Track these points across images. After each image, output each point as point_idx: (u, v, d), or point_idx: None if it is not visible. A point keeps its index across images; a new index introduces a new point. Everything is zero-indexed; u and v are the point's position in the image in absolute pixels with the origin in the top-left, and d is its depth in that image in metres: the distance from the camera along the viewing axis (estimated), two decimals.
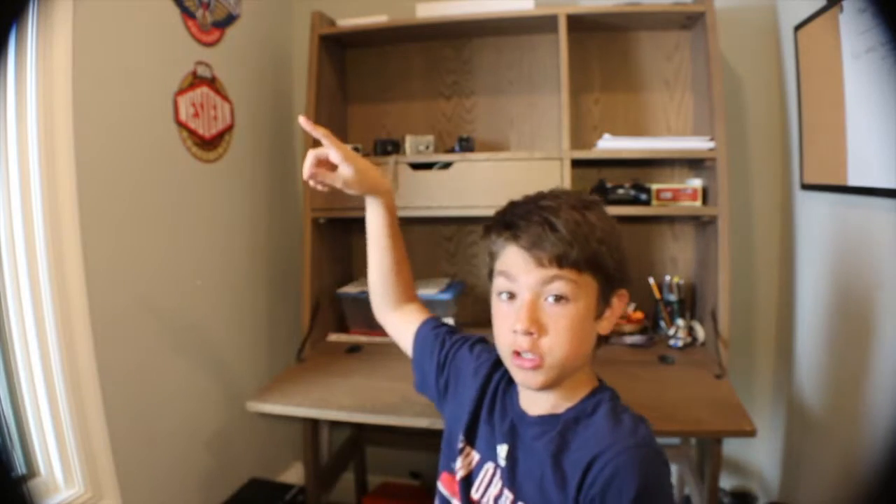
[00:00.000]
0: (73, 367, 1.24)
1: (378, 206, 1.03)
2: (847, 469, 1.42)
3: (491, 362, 0.95)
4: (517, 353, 0.79)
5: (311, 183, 0.98)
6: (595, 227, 0.79)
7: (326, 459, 1.97)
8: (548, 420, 0.84)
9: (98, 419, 1.30)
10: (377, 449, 2.23)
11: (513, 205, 0.85)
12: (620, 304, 0.85)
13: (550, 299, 0.77)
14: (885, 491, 0.84)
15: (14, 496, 0.97)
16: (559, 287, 0.77)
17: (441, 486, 0.93)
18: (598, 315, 0.82)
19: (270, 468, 2.04)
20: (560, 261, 0.76)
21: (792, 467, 1.80)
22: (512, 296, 0.80)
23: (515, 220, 0.80)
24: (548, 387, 0.80)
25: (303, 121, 0.95)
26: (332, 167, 0.99)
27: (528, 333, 0.77)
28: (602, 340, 0.87)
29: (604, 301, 0.82)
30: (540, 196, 0.85)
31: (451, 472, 0.92)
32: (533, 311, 0.77)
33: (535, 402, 0.86)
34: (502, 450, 0.86)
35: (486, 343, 0.99)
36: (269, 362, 2.03)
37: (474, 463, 0.90)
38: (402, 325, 1.07)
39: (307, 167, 0.96)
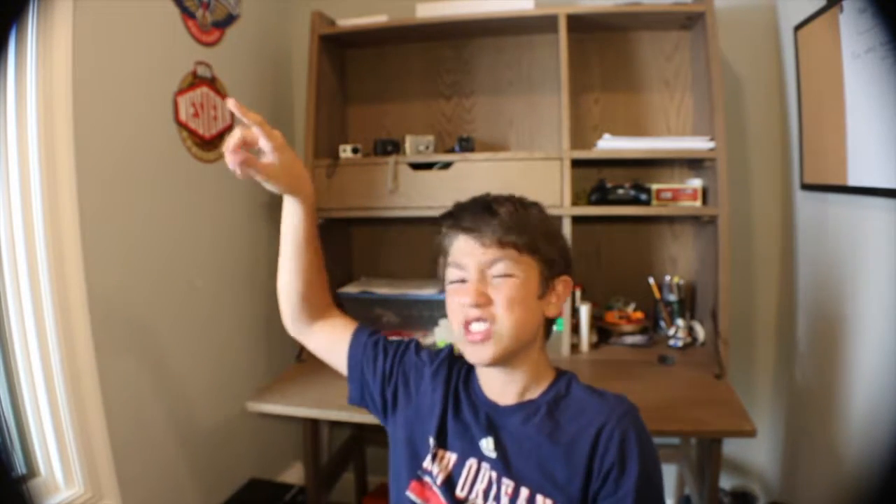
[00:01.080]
0: (73, 367, 1.24)
1: (298, 208, 0.96)
2: (846, 469, 1.42)
3: (447, 361, 0.98)
4: (467, 329, 0.84)
5: (231, 166, 0.84)
6: (532, 217, 0.90)
7: (326, 459, 1.97)
8: (526, 405, 0.89)
9: (98, 419, 1.30)
10: (377, 449, 2.23)
11: (458, 203, 0.93)
12: (566, 290, 0.93)
13: (496, 279, 0.85)
14: (884, 491, 0.84)
15: (14, 496, 0.97)
16: (502, 267, 0.85)
17: (411, 495, 0.91)
18: (542, 295, 0.89)
19: (270, 468, 2.04)
20: (500, 242, 0.85)
21: (792, 467, 1.80)
22: (462, 281, 0.87)
23: (460, 212, 0.90)
24: (498, 361, 0.85)
25: (231, 103, 0.84)
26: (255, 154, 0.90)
27: (476, 305, 0.83)
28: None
29: (546, 283, 0.89)
30: (485, 195, 0.94)
31: (420, 479, 0.91)
32: (479, 285, 0.84)
33: (504, 390, 0.90)
34: (488, 442, 0.88)
35: (424, 345, 1.04)
36: (269, 362, 2.03)
37: (452, 463, 0.90)
38: (329, 337, 1.04)
39: (231, 145, 0.83)
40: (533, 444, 0.85)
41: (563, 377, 0.93)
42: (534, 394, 0.90)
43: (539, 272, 0.88)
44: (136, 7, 1.45)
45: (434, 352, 1.01)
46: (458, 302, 0.86)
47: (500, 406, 0.90)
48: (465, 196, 1.85)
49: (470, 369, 0.96)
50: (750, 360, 1.99)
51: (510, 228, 0.86)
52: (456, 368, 0.97)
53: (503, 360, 0.86)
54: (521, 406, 0.89)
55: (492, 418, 0.89)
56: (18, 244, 1.18)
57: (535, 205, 0.95)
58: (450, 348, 1.01)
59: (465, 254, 0.87)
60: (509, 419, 0.88)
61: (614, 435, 0.81)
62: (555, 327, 1.94)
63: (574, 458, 0.82)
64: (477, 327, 0.84)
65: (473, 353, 0.86)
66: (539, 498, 0.83)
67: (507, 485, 0.85)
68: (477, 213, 0.88)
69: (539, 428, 0.86)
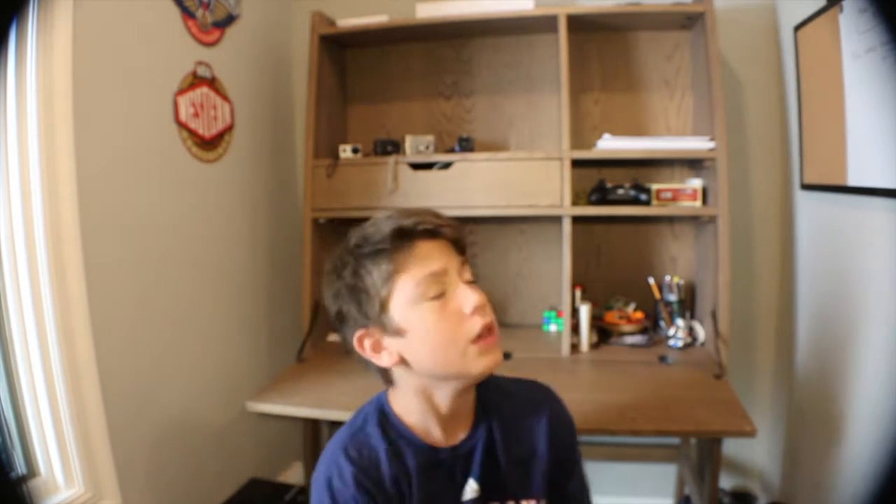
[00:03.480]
0: (73, 367, 1.24)
1: None
2: (847, 469, 1.42)
3: (366, 480, 0.79)
4: (480, 337, 0.76)
5: None
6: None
7: None
8: (477, 425, 0.86)
9: (98, 419, 1.30)
10: None
11: (384, 217, 0.79)
12: None
13: (468, 282, 0.79)
14: (885, 491, 0.84)
15: (14, 496, 0.97)
16: (468, 272, 0.80)
17: None
18: None
19: (270, 468, 2.04)
20: (457, 242, 0.81)
21: (792, 467, 1.80)
22: (440, 295, 0.76)
23: (411, 221, 0.77)
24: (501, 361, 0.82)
25: None
26: None
27: (484, 306, 0.77)
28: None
29: None
30: (386, 215, 0.80)
31: None
32: (476, 293, 0.78)
33: (456, 423, 0.84)
34: (471, 488, 0.84)
35: (337, 480, 0.80)
36: (269, 362, 2.03)
37: None
38: None
39: None
40: (505, 462, 0.86)
41: None
42: (473, 408, 0.86)
43: None
44: (136, 7, 1.45)
45: (343, 484, 0.79)
46: (455, 315, 0.76)
47: (458, 445, 0.84)
48: (465, 196, 1.82)
49: (388, 458, 0.81)
50: (750, 360, 1.99)
51: (460, 230, 0.81)
52: (374, 467, 0.80)
53: None
54: (476, 427, 0.85)
55: (455, 466, 0.84)
56: (18, 244, 1.18)
57: None
58: (329, 479, 0.80)
59: (442, 258, 0.77)
60: (473, 449, 0.85)
61: (563, 422, 0.90)
62: (555, 327, 1.96)
63: (538, 452, 0.87)
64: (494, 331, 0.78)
65: (489, 360, 0.77)
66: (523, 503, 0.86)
67: None
68: (428, 214, 0.79)
69: (504, 443, 0.86)
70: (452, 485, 0.84)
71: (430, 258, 0.76)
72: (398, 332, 0.77)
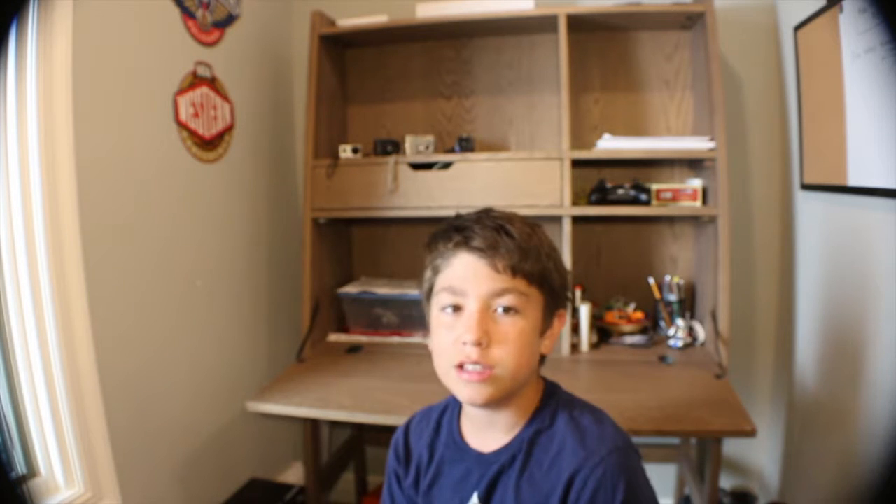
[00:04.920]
0: (73, 367, 1.24)
1: None
2: (847, 469, 1.42)
3: (401, 446, 0.93)
4: (461, 367, 0.74)
5: None
6: (544, 242, 0.80)
7: (326, 459, 1.96)
8: (510, 447, 0.80)
9: (98, 419, 1.30)
10: (377, 449, 2.23)
11: (459, 216, 0.82)
12: (560, 325, 0.84)
13: (500, 310, 0.75)
14: (885, 491, 0.84)
15: (14, 496, 0.97)
16: (511, 299, 0.74)
17: None
18: (543, 331, 0.80)
19: (270, 468, 2.04)
20: (514, 269, 0.74)
21: (792, 467, 1.80)
22: (457, 308, 0.76)
23: (468, 223, 0.77)
24: (493, 402, 0.76)
25: None
26: None
27: (478, 344, 0.73)
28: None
29: (548, 319, 0.81)
30: (488, 209, 0.82)
31: None
32: (483, 321, 0.73)
33: (486, 434, 0.82)
34: (473, 501, 0.82)
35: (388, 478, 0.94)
36: (269, 362, 2.03)
37: None
38: None
39: None
40: (511, 490, 0.79)
41: (548, 403, 0.82)
42: (517, 429, 0.81)
43: (543, 306, 0.79)
44: (136, 7, 1.45)
45: (392, 443, 0.95)
46: (452, 338, 0.75)
47: (485, 454, 0.82)
48: (465, 196, 1.82)
49: (450, 419, 0.89)
50: (750, 360, 1.99)
51: (526, 253, 0.75)
52: (423, 439, 0.89)
53: (497, 402, 0.77)
54: (505, 448, 0.81)
55: (472, 471, 0.82)
56: (18, 244, 1.18)
57: (540, 227, 0.83)
58: (403, 428, 0.95)
59: (468, 278, 0.75)
60: (492, 467, 0.81)
61: (588, 484, 0.72)
62: None
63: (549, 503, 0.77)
64: (475, 367, 0.74)
65: (466, 393, 0.76)
66: None
67: None
68: (489, 229, 0.76)
69: (517, 473, 0.79)
70: (463, 487, 0.83)
71: (458, 272, 0.76)
72: (429, 324, 0.82)
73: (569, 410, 0.81)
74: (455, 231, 0.78)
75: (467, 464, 0.83)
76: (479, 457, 0.82)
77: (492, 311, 0.75)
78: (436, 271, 0.79)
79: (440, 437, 0.88)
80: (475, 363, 0.73)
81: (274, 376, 1.77)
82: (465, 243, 0.76)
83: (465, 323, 0.74)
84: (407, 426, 0.94)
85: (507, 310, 0.75)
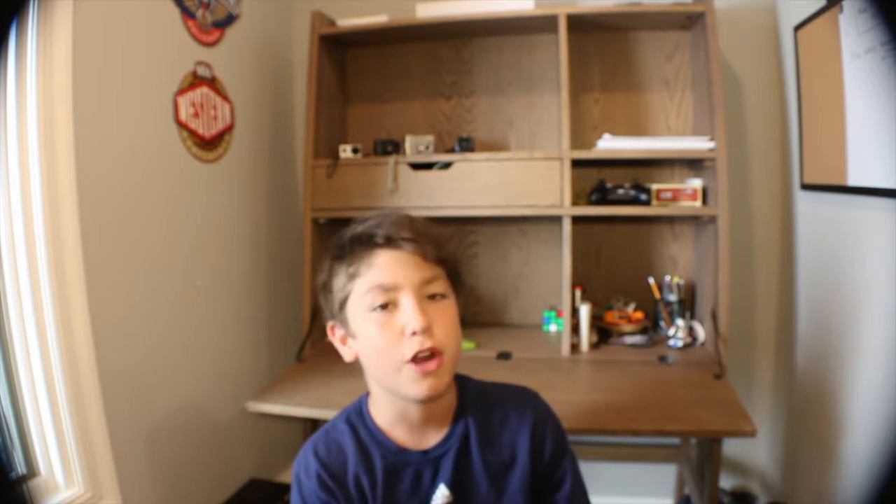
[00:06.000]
0: (73, 366, 1.24)
1: None
2: (847, 469, 1.42)
3: (329, 479, 0.83)
4: (415, 360, 0.74)
5: None
6: (442, 231, 0.82)
7: None
8: (451, 435, 0.84)
9: (98, 419, 1.30)
10: None
11: (355, 225, 0.82)
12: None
13: (431, 297, 0.77)
14: (884, 491, 0.84)
15: (14, 496, 0.97)
16: (439, 285, 0.77)
17: None
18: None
19: (270, 468, 2.04)
20: (437, 257, 0.77)
21: (792, 467, 1.80)
22: (386, 306, 0.76)
23: (379, 224, 0.78)
24: (445, 390, 0.77)
25: None
26: None
27: (426, 331, 0.74)
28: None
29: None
30: (378, 214, 0.82)
31: None
32: (424, 309, 0.75)
33: (426, 430, 0.83)
34: (441, 494, 0.82)
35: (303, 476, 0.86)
36: (269, 362, 2.03)
37: None
38: None
39: None
40: (481, 465, 0.83)
41: (464, 385, 0.88)
42: (450, 413, 0.84)
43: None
44: (136, 7, 1.45)
45: (307, 479, 0.85)
46: (392, 334, 0.74)
47: (430, 450, 0.83)
48: (465, 196, 1.82)
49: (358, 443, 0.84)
50: (750, 360, 1.99)
51: (440, 241, 0.78)
52: (341, 462, 0.83)
53: (447, 389, 0.79)
54: (449, 436, 0.83)
55: (423, 471, 0.82)
56: (18, 244, 1.18)
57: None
58: (302, 466, 0.87)
59: (398, 272, 0.75)
60: (445, 457, 0.82)
61: (547, 428, 0.86)
62: (555, 327, 1.96)
63: (517, 462, 0.84)
64: (425, 356, 0.74)
65: (422, 387, 0.75)
66: None
67: None
68: (404, 225, 0.78)
69: (479, 447, 0.83)
70: (420, 489, 0.83)
71: (383, 268, 0.76)
72: (352, 334, 0.80)
73: (477, 381, 0.90)
74: (371, 233, 0.78)
75: (414, 466, 0.83)
76: (424, 455, 0.83)
77: (424, 299, 0.76)
78: (352, 277, 0.78)
79: (372, 454, 0.83)
80: (428, 350, 0.74)
81: (274, 376, 1.77)
82: (389, 240, 0.77)
83: (409, 313, 0.74)
84: (317, 458, 0.84)
85: (436, 296, 0.77)
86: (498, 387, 0.91)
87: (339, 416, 0.89)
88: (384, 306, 0.76)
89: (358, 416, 0.87)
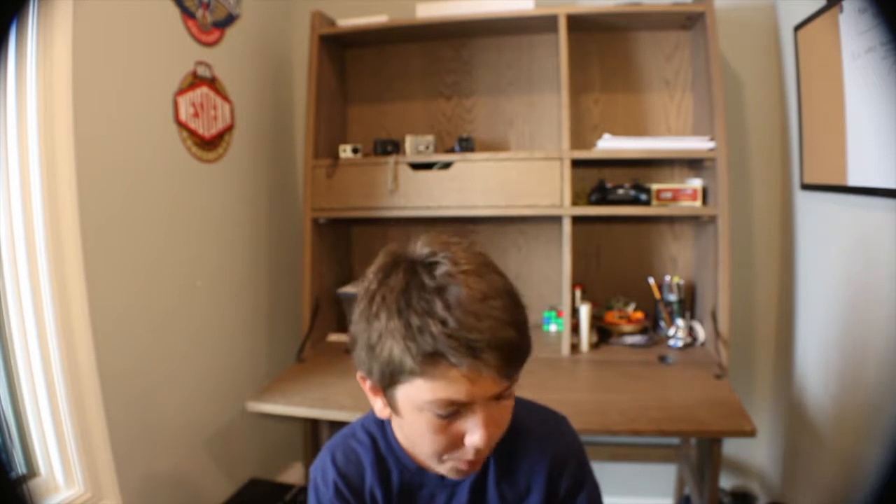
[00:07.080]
0: (73, 367, 1.24)
1: None
2: (847, 469, 1.42)
3: (345, 488, 0.80)
4: (455, 458, 0.70)
5: None
6: (520, 304, 0.69)
7: None
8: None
9: (98, 419, 1.30)
10: None
11: (462, 313, 0.62)
12: None
13: (495, 401, 0.67)
14: (885, 491, 0.84)
15: (14, 496, 0.97)
16: (510, 390, 0.68)
17: None
18: None
19: (270, 468, 2.04)
20: (515, 370, 0.67)
21: (792, 467, 1.80)
22: (452, 414, 0.66)
23: (463, 332, 0.61)
24: None
25: None
26: None
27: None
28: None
29: None
30: (481, 287, 0.64)
31: None
32: (490, 417, 0.66)
33: None
34: None
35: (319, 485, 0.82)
36: (269, 362, 2.03)
37: None
38: None
39: None
40: (493, 498, 0.80)
41: None
42: None
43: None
44: (136, 7, 1.45)
45: (325, 486, 0.81)
46: (451, 437, 0.67)
47: (447, 478, 0.78)
48: (465, 196, 1.80)
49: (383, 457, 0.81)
50: (750, 360, 1.99)
51: (529, 344, 0.68)
52: (359, 479, 0.80)
53: None
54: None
55: (444, 493, 0.80)
56: (18, 244, 1.18)
57: (494, 266, 0.71)
58: (318, 478, 0.83)
59: (475, 391, 0.63)
60: (461, 485, 0.80)
61: (568, 462, 0.81)
62: (555, 327, 1.96)
63: (531, 498, 0.80)
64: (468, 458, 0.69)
65: (461, 474, 0.73)
66: None
67: None
68: (499, 336, 0.62)
69: (496, 477, 0.80)
70: None
71: (460, 386, 0.62)
72: (395, 409, 0.70)
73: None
74: (457, 337, 0.61)
75: (430, 489, 0.81)
76: (442, 480, 0.80)
77: (492, 403, 0.67)
78: (413, 373, 0.63)
79: (390, 469, 0.81)
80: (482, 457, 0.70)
81: (274, 376, 1.77)
82: (479, 357, 0.61)
83: (477, 436, 0.66)
84: (335, 466, 0.81)
85: (502, 396, 0.68)
86: (526, 408, 0.83)
87: (360, 424, 0.85)
88: (450, 413, 0.65)
89: (379, 428, 0.83)
